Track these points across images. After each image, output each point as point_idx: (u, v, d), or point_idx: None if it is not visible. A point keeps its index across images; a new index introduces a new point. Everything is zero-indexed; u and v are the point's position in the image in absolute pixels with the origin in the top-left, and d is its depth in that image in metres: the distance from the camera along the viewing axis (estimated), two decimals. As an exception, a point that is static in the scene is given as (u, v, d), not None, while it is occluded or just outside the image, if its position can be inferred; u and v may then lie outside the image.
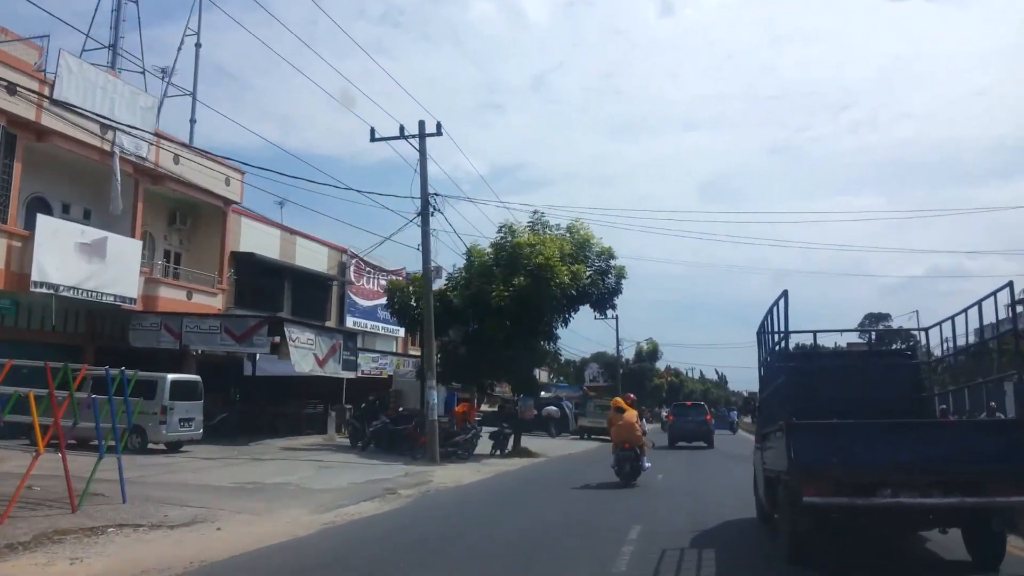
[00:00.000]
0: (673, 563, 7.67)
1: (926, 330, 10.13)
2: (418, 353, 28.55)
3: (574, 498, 13.79)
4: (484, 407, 41.00)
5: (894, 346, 16.20)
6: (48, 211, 21.18)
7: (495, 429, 23.61)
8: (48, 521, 8.47)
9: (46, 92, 18.88)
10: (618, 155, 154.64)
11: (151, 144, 22.44)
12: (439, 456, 19.45)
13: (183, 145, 23.47)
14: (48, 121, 19.38)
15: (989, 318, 7.98)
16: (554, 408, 37.60)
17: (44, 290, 19.08)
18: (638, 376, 63.83)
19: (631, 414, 15.86)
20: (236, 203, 26.42)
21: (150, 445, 18.30)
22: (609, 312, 29.47)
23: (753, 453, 11.18)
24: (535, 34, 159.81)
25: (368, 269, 37.36)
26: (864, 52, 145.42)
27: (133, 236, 22.51)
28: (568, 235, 23.56)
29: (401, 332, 36.77)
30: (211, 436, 21.29)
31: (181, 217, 25.95)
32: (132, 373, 10.59)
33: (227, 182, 25.66)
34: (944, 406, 9.72)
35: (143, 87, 25.36)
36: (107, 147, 21.05)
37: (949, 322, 8.95)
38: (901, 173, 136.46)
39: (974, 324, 8.29)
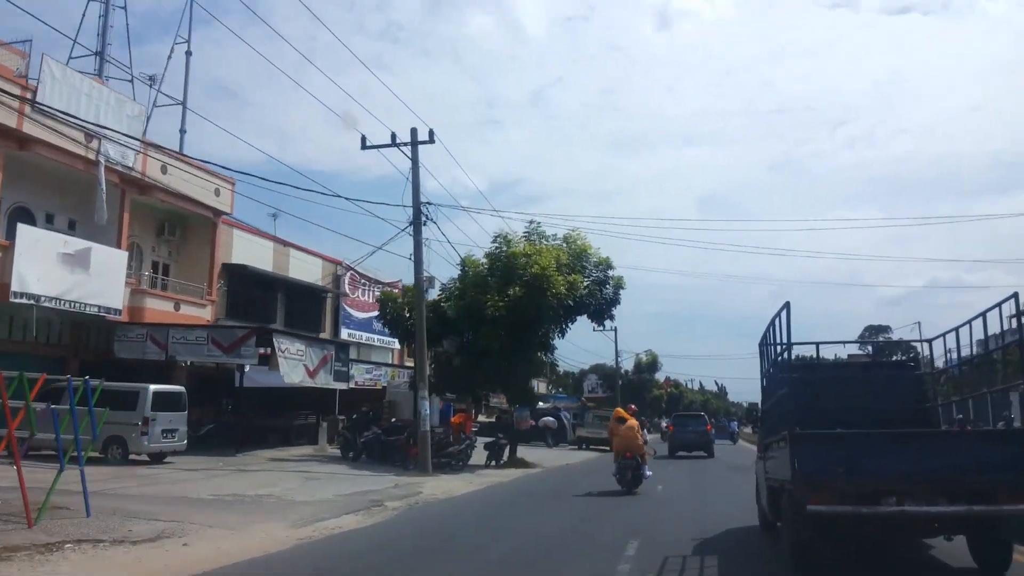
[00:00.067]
0: (675, 571, 7.60)
1: (930, 341, 10.05)
2: (413, 364, 28.07)
3: (570, 509, 13.32)
4: (482, 418, 40.48)
5: (894, 357, 16.16)
6: (31, 221, 20.76)
7: (491, 440, 23.09)
8: (1, 537, 7.96)
9: (28, 99, 18.48)
10: (617, 170, 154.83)
11: (138, 153, 22.04)
12: (431, 467, 18.92)
13: (170, 153, 23.01)
14: (30, 129, 18.98)
15: (993, 329, 8.05)
16: (551, 419, 37.07)
17: (24, 300, 18.61)
18: (637, 387, 63.26)
19: (632, 424, 16.14)
20: (226, 214, 25.98)
21: (132, 456, 17.83)
22: (607, 323, 29.03)
23: (755, 463, 11.21)
24: (534, 49, 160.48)
25: (363, 281, 36.89)
26: (861, 67, 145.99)
27: (119, 247, 22.06)
28: (565, 245, 23.12)
29: (397, 344, 36.28)
30: (198, 447, 20.86)
31: (170, 228, 25.52)
32: (97, 383, 10.08)
33: (217, 192, 25.25)
34: (961, 415, 9.52)
35: (131, 96, 24.87)
36: (92, 156, 20.66)
37: (953, 333, 8.95)
38: (898, 188, 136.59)
39: (977, 335, 8.35)
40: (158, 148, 22.41)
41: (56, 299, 19.41)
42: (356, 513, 11.30)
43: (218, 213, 25.70)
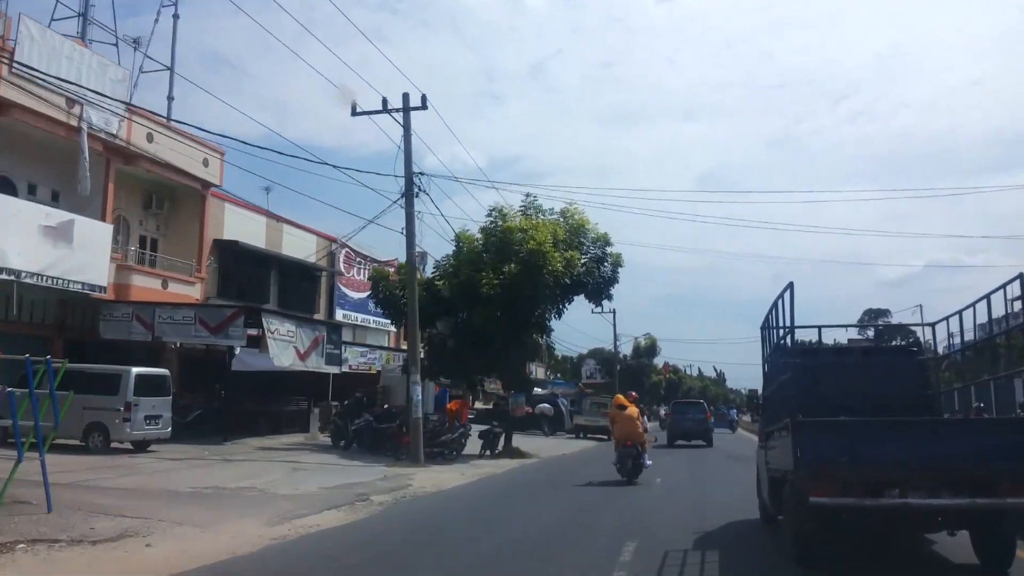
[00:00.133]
0: (676, 564, 7.47)
1: (933, 325, 9.78)
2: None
3: (565, 503, 12.74)
4: (478, 404, 39.80)
5: (895, 342, 16.04)
6: (13, 192, 19.92)
7: (485, 428, 22.41)
8: (-54, 536, 7.25)
9: (4, 60, 17.55)
10: (617, 146, 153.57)
11: (122, 120, 21.13)
12: (423, 457, 18.24)
13: (156, 120, 22.09)
14: (8, 92, 18.07)
15: (995, 312, 7.85)
16: (548, 405, 36.35)
17: (4, 276, 17.81)
18: (636, 373, 62.74)
19: (633, 411, 15.93)
20: (215, 185, 25.09)
21: (113, 444, 17.07)
22: (606, 304, 28.37)
23: (756, 452, 11.05)
24: (533, 20, 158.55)
25: (359, 259, 36.05)
26: (863, 39, 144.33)
27: (103, 219, 21.23)
28: (562, 220, 22.29)
29: (393, 326, 35.55)
30: (185, 435, 20.16)
31: (158, 201, 24.63)
32: (61, 363, 9.31)
33: (205, 163, 24.36)
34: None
35: (116, 61, 23.90)
36: (74, 122, 19.76)
37: (956, 317, 8.71)
38: (898, 166, 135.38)
39: (980, 319, 8.15)
40: (143, 113, 21.45)
41: (38, 275, 18.60)
42: (338, 509, 10.58)
43: (207, 185, 24.82)
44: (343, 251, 34.63)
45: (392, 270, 25.46)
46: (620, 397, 17.24)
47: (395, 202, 19.58)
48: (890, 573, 7.70)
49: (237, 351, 22.39)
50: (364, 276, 35.77)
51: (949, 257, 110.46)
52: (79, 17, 25.25)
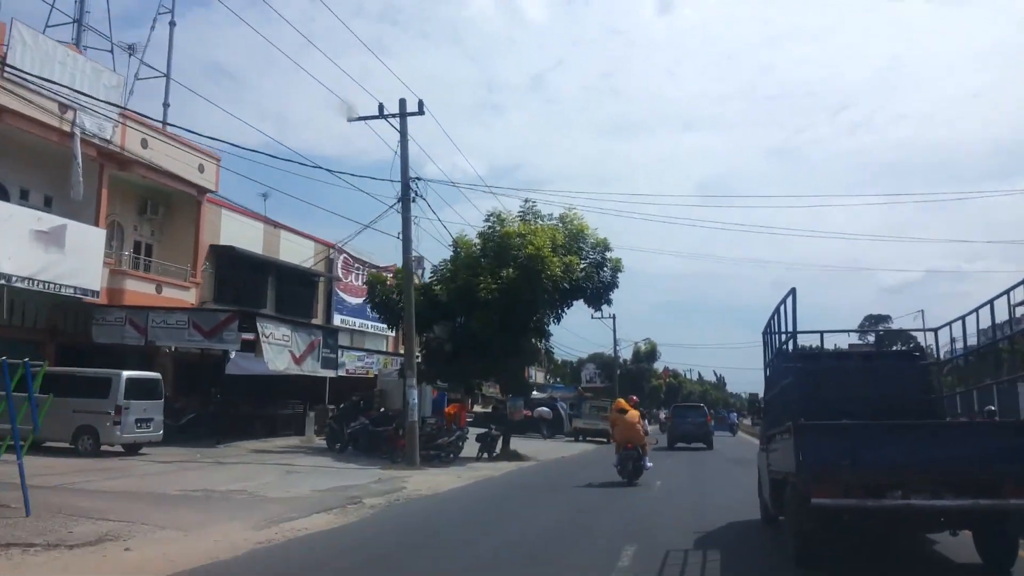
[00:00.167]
0: (677, 564, 7.46)
1: (936, 331, 9.77)
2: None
3: (564, 504, 12.58)
4: (477, 408, 39.54)
5: (895, 347, 16.13)
6: (5, 197, 19.78)
7: (483, 431, 22.20)
8: (-82, 540, 7.07)
9: (-5, 65, 17.44)
10: (616, 156, 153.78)
11: (116, 126, 21.02)
12: (419, 460, 18.04)
13: (150, 126, 21.98)
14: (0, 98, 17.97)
15: (1000, 318, 7.86)
16: (546, 409, 36.09)
17: (-6, 280, 17.66)
18: (636, 377, 62.47)
19: (634, 415, 16.18)
20: (211, 191, 24.96)
21: (104, 447, 16.87)
22: (605, 309, 28.16)
23: (758, 455, 11.11)
24: (534, 32, 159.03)
25: (357, 265, 35.89)
26: (862, 52, 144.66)
27: (97, 225, 21.07)
28: (561, 225, 22.13)
29: (393, 331, 35.36)
30: (179, 438, 19.99)
31: (152, 206, 24.46)
32: (40, 365, 9.14)
33: (201, 169, 24.22)
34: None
35: (111, 67, 23.82)
36: (67, 128, 19.65)
37: (959, 323, 8.75)
38: (899, 175, 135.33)
39: (983, 324, 8.18)
40: (137, 118, 21.33)
41: (29, 279, 18.44)
42: (329, 512, 10.38)
43: (202, 191, 24.68)
44: (341, 257, 34.47)
45: (390, 275, 25.31)
46: (621, 401, 17.35)
47: (391, 207, 19.45)
48: (891, 573, 7.65)
49: (232, 355, 22.21)
50: (362, 282, 35.61)
51: (949, 264, 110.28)
52: (74, 24, 25.18)
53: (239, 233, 27.81)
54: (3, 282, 17.81)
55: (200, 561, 7.08)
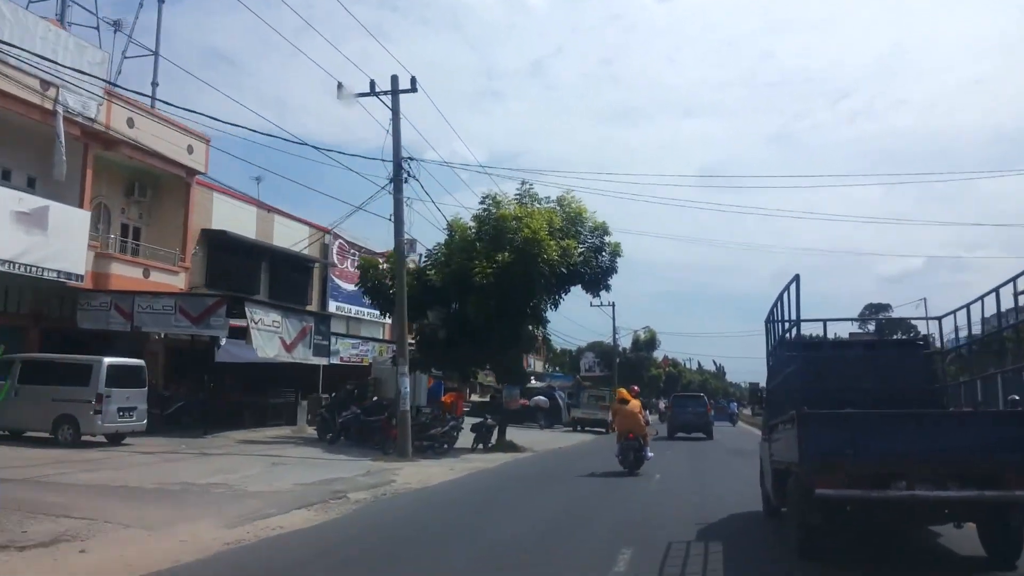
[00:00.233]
0: (679, 555, 7.37)
1: (939, 319, 9.73)
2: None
3: (559, 497, 12.15)
4: (475, 397, 39.01)
5: (895, 336, 16.11)
6: (-15, 177, 19.19)
7: (478, 421, 21.67)
8: None
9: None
10: (616, 142, 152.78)
11: (101, 104, 20.32)
12: (412, 451, 17.51)
13: (136, 105, 21.28)
14: (-24, 73, 17.29)
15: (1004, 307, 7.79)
16: (543, 398, 35.48)
17: (-27, 263, 17.06)
18: (635, 366, 62.01)
19: (635, 405, 16.35)
20: (200, 173, 24.27)
21: (85, 437, 16.30)
22: (604, 296, 27.60)
23: (760, 445, 11.04)
24: (533, 18, 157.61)
25: (352, 251, 35.24)
26: (863, 39, 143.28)
27: (81, 206, 20.42)
28: (558, 208, 21.48)
29: (389, 318, 34.74)
30: (166, 428, 19.46)
31: (140, 188, 23.76)
32: (-2, 349, 8.55)
33: (190, 149, 23.53)
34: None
35: (98, 45, 23.07)
36: (49, 106, 18.96)
37: (964, 311, 8.65)
38: (898, 164, 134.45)
39: (986, 312, 8.15)
40: (123, 96, 20.65)
41: (10, 262, 17.82)
42: (310, 508, 9.81)
43: (192, 172, 23.98)
44: (336, 242, 33.84)
45: (383, 261, 24.69)
46: (623, 391, 17.38)
47: (383, 187, 18.82)
48: (894, 565, 7.55)
49: (223, 342, 21.57)
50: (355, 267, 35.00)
51: (949, 253, 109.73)
52: None
53: (232, 217, 27.16)
54: (-17, 266, 17.22)
55: (160, 565, 6.50)
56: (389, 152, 18.55)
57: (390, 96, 17.96)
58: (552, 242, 19.61)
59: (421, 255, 25.80)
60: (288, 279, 30.58)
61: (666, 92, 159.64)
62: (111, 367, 16.47)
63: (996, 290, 7.73)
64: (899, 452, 6.66)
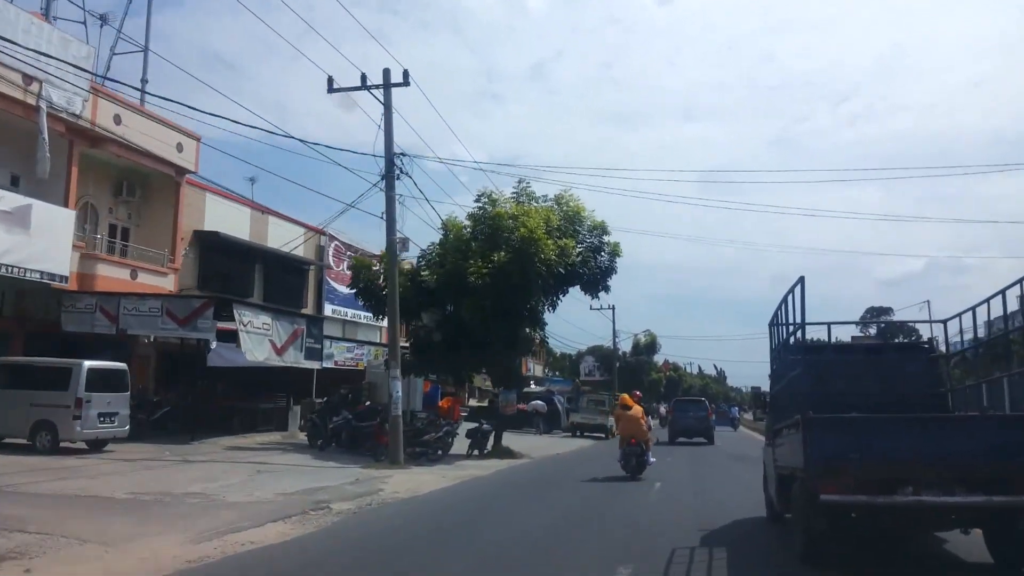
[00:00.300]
0: (683, 562, 7.28)
1: (944, 322, 9.61)
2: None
3: (556, 505, 11.73)
4: (472, 402, 38.37)
5: (897, 339, 15.96)
6: (-34, 174, 18.65)
7: (474, 426, 21.06)
8: None
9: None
10: (616, 145, 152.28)
11: (86, 100, 19.78)
12: (404, 457, 16.92)
13: (123, 101, 20.74)
14: (-46, 67, 16.77)
15: (1002, 311, 7.68)
16: (540, 403, 34.74)
17: (-48, 264, 16.51)
18: (635, 370, 61.46)
19: (637, 410, 16.51)
20: (190, 171, 23.71)
21: (64, 444, 15.69)
22: (604, 299, 27.03)
23: (763, 450, 11.00)
24: (533, 21, 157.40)
25: (348, 253, 34.67)
26: (863, 41, 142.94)
27: (66, 205, 19.86)
28: (556, 206, 20.90)
29: (386, 321, 34.13)
30: (151, 434, 18.86)
31: (129, 188, 23.19)
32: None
33: (179, 147, 22.97)
34: None
35: (85, 40, 22.55)
36: (32, 101, 18.43)
37: (969, 314, 8.46)
38: (899, 166, 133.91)
39: (990, 316, 8.04)
40: (109, 92, 20.11)
41: (-10, 263, 17.30)
42: (287, 520, 9.21)
43: (181, 171, 23.40)
44: (332, 244, 33.27)
45: (376, 261, 24.11)
46: (625, 397, 17.49)
47: (375, 184, 18.26)
48: (900, 571, 7.47)
49: (213, 345, 20.97)
50: (346, 268, 34.39)
51: (950, 256, 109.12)
52: (43, -11, 23.92)
53: (225, 218, 26.60)
54: (-38, 266, 16.67)
55: (109, 588, 5.92)
56: (381, 148, 18.07)
57: (382, 91, 17.40)
58: (549, 241, 19.06)
59: (418, 258, 25.26)
60: (283, 281, 29.98)
61: (666, 95, 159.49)
62: (91, 371, 15.89)
63: (1002, 292, 7.53)
64: (905, 457, 6.57)
